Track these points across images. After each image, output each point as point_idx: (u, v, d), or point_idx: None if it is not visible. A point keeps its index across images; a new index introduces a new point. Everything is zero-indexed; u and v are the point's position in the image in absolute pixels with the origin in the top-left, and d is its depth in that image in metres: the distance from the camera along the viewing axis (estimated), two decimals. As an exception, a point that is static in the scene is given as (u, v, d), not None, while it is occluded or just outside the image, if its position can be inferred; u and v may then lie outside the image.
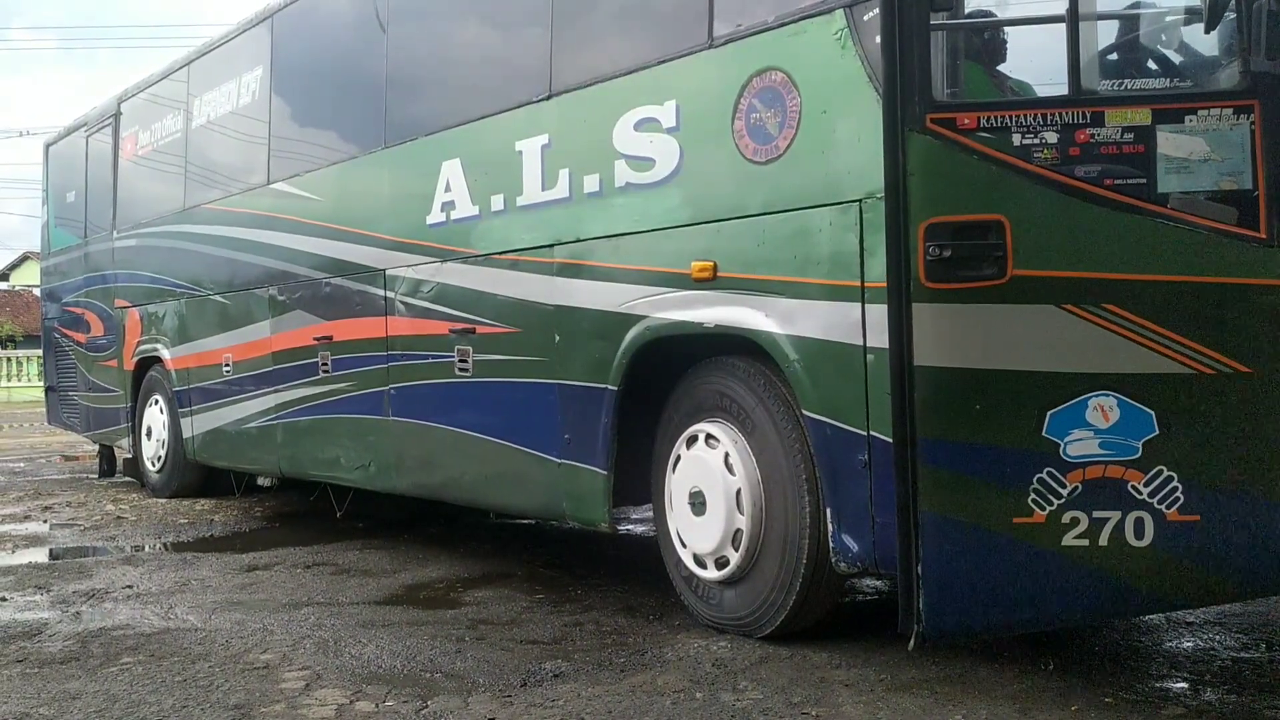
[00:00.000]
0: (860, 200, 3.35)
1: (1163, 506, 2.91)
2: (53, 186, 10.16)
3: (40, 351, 12.97)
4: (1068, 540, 2.93)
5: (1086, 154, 2.94)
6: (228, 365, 7.09)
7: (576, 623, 4.18)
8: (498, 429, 4.86)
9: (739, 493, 3.83)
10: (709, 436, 3.96)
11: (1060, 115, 2.95)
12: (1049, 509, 2.92)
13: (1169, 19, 3.45)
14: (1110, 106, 2.97)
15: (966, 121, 2.97)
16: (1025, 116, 2.96)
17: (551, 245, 4.53)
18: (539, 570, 5.26)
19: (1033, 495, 2.92)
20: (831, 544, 3.52)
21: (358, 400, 5.79)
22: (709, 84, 3.88)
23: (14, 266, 43.91)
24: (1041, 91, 3.53)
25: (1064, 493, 2.92)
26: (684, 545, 4.09)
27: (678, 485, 4.09)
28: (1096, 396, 2.91)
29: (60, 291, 9.96)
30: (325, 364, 6.05)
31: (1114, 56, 3.45)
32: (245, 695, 3.36)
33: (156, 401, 8.19)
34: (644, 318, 4.10)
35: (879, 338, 3.21)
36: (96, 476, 9.79)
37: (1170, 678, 3.37)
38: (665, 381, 4.17)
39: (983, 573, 2.94)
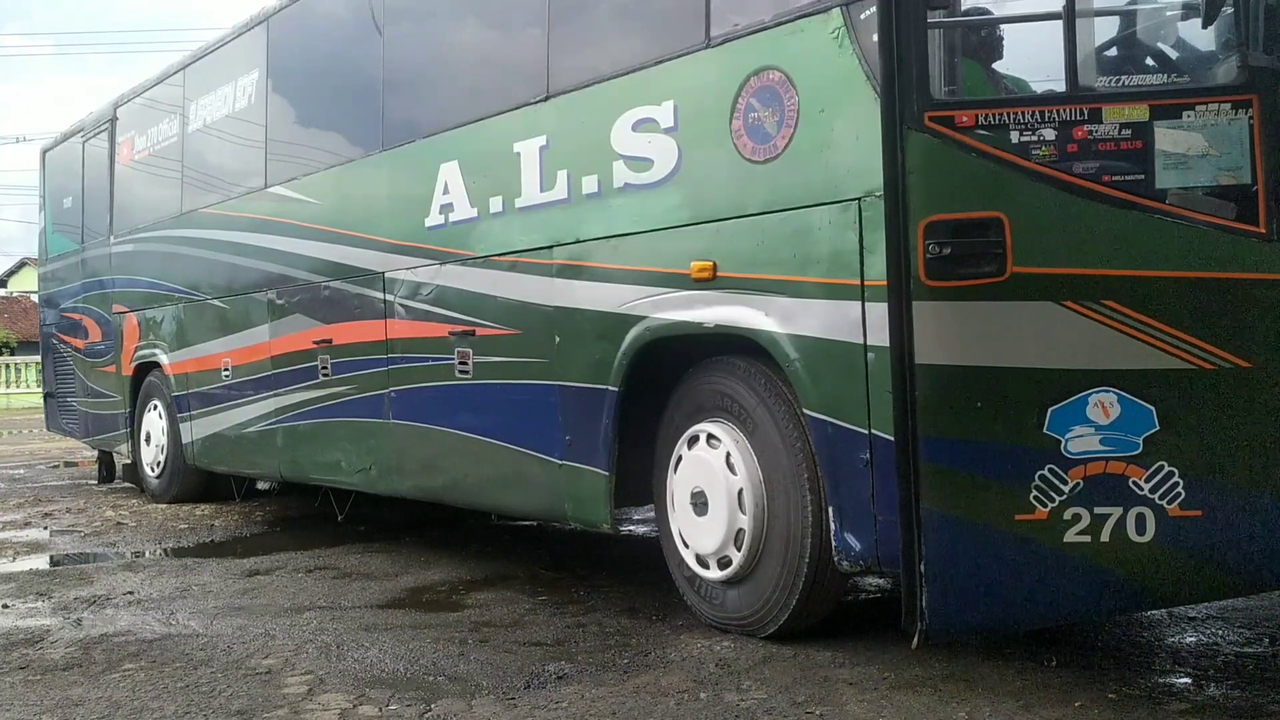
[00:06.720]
0: (859, 199, 3.35)
1: (1164, 502, 2.91)
2: (50, 192, 10.15)
3: (38, 358, 12.95)
4: (1069, 537, 2.93)
5: (1085, 150, 2.94)
6: (227, 370, 7.08)
7: (579, 624, 4.18)
8: (499, 431, 4.86)
9: (741, 492, 3.83)
10: (710, 436, 3.95)
11: (1058, 112, 2.94)
12: (1050, 506, 2.92)
13: (1166, 14, 3.45)
14: (1108, 103, 2.97)
15: (965, 119, 2.96)
16: (1023, 114, 2.96)
17: (550, 246, 4.53)
18: (541, 572, 5.25)
19: (1034, 492, 2.92)
20: (834, 543, 3.52)
21: (358, 403, 5.78)
22: (707, 84, 3.88)
23: (11, 272, 43.84)
24: (1039, 88, 3.54)
25: (1065, 489, 2.92)
26: (686, 545, 4.08)
27: (679, 485, 4.09)
28: (1097, 393, 2.91)
29: (58, 297, 9.95)
30: (325, 367, 6.04)
31: (1111, 53, 3.44)
32: (248, 701, 3.36)
33: (155, 407, 8.18)
34: (644, 318, 4.10)
35: (879, 336, 3.21)
36: (96, 482, 9.78)
37: (1173, 673, 3.37)
38: (666, 382, 4.17)
39: (985, 570, 2.94)
